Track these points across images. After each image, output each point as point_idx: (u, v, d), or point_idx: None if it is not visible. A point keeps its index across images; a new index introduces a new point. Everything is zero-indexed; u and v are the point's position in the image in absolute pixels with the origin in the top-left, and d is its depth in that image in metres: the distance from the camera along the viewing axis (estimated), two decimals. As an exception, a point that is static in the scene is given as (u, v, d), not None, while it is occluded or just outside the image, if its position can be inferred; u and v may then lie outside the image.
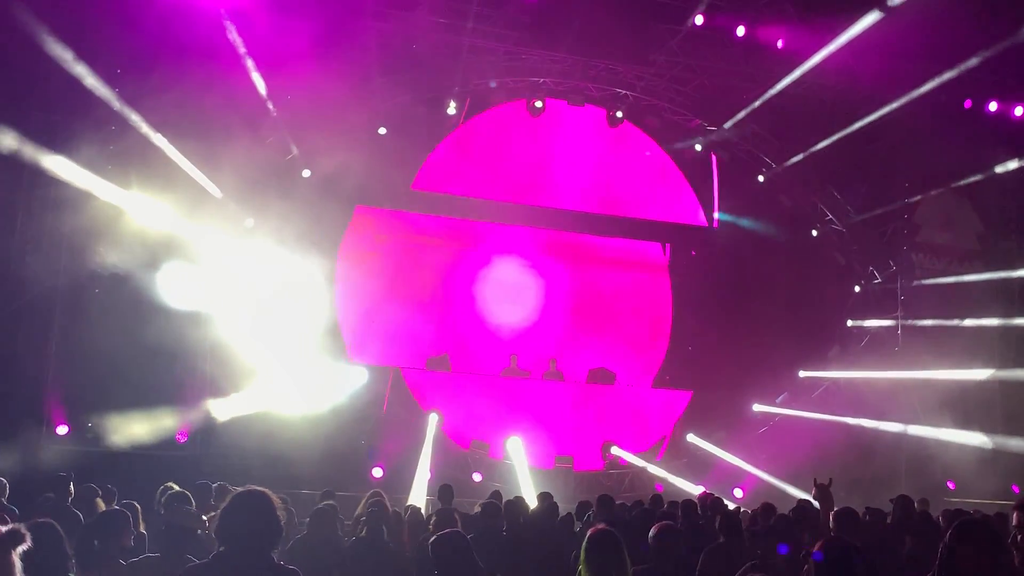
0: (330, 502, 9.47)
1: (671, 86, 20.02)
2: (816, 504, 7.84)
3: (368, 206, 20.19)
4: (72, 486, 9.81)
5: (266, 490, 4.63)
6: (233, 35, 16.12)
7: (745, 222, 22.08)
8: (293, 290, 17.59)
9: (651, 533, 6.79)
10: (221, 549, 4.47)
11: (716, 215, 22.41)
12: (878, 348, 20.85)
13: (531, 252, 21.69)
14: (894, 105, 18.15)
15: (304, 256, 17.67)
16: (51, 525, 5.34)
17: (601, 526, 5.56)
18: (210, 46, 15.86)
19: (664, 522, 7.06)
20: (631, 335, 21.92)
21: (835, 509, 7.50)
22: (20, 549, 4.01)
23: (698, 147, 21.43)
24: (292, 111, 17.52)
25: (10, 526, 4.09)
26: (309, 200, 17.81)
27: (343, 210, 19.47)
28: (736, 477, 19.08)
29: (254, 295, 17.23)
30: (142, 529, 8.05)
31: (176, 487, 9.96)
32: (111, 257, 15.21)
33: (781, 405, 21.08)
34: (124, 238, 15.38)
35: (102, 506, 9.85)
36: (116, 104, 15.47)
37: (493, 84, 19.55)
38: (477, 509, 10.06)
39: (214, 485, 10.75)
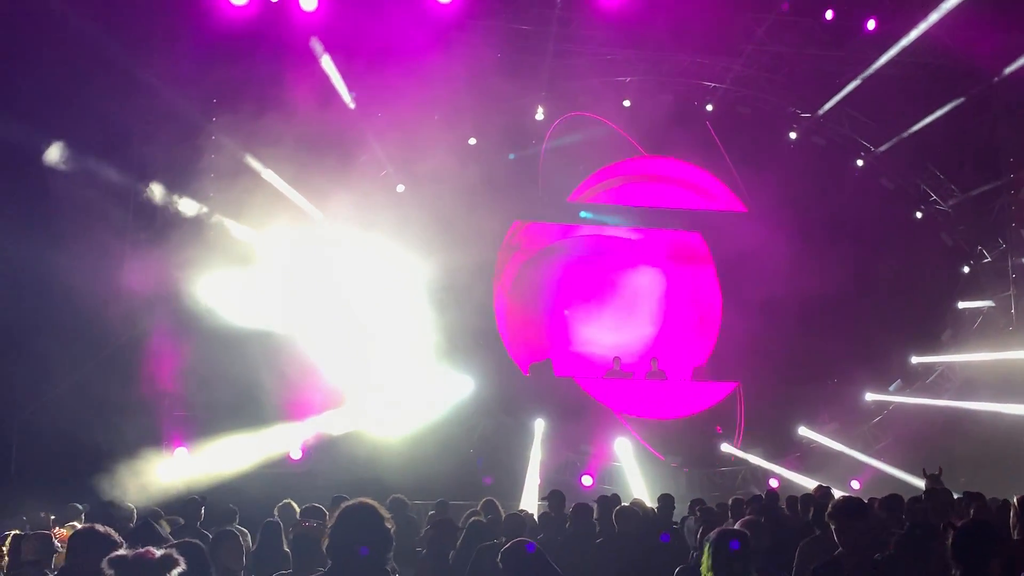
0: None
1: (761, 75, 19.74)
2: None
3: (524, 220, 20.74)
4: (203, 510, 10.01)
5: (373, 502, 4.61)
6: (321, 55, 16.41)
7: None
8: (400, 302, 17.72)
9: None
10: (331, 564, 4.46)
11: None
12: (992, 329, 20.20)
13: (625, 253, 21.60)
14: (994, 79, 17.61)
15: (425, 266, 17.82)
16: (198, 546, 5.37)
17: (731, 526, 5.35)
18: (300, 68, 16.19)
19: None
20: (731, 330, 21.62)
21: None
22: (175, 573, 4.03)
23: (793, 135, 21.02)
24: (383, 128, 17.71)
25: (163, 550, 4.13)
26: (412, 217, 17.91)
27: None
28: (853, 469, 18.66)
29: (357, 310, 17.45)
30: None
31: (294, 504, 10.12)
32: (216, 283, 15.56)
33: (895, 393, 20.57)
34: (229, 262, 15.74)
35: (167, 527, 10.09)
36: (213, 133, 15.89)
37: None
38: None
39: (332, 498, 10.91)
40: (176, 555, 4.04)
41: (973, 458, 16.68)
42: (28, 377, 13.99)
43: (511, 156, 19.95)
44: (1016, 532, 6.90)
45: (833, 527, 5.70)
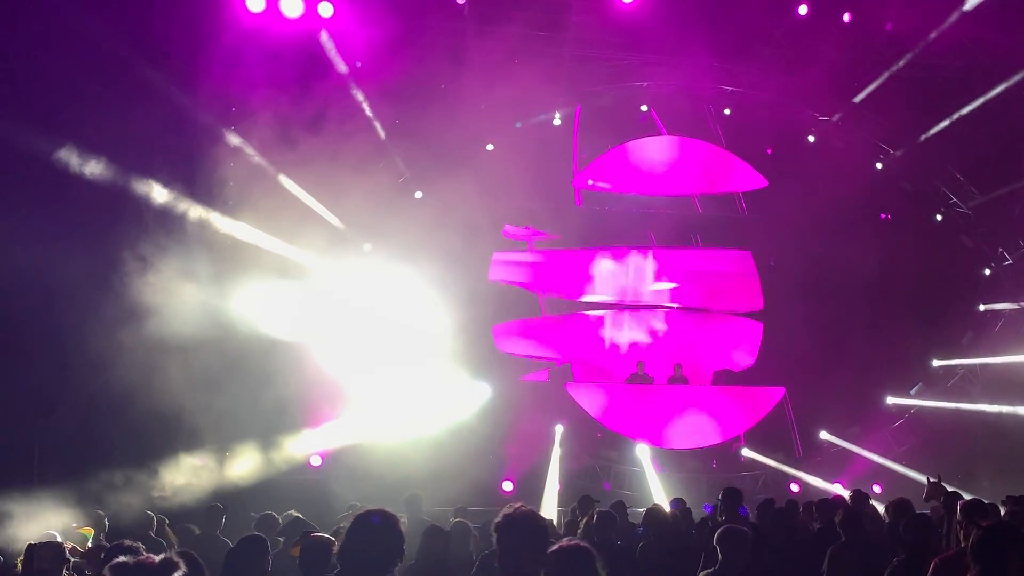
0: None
1: (779, 79, 19.65)
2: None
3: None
4: (223, 518, 10.03)
5: (386, 509, 4.63)
6: (339, 64, 16.47)
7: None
8: (412, 308, 17.71)
9: (715, 537, 6.72)
10: (339, 570, 4.49)
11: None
12: (1014, 331, 20.04)
13: (645, 256, 21.52)
14: (1014, 79, 17.49)
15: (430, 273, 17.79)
16: (192, 556, 5.37)
17: None
18: (317, 75, 16.29)
19: (730, 526, 7.02)
20: (749, 336, 21.51)
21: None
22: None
23: (811, 139, 20.90)
24: (400, 134, 17.77)
25: (163, 556, 4.15)
26: (430, 223, 17.90)
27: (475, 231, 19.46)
28: (874, 473, 18.56)
29: (375, 317, 17.46)
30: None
31: (298, 514, 10.15)
32: (236, 291, 15.60)
33: (916, 396, 20.46)
34: (248, 270, 15.80)
35: (172, 536, 10.13)
36: (232, 140, 15.95)
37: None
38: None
39: (349, 506, 10.93)
40: (176, 558, 4.08)
41: (995, 461, 16.59)
42: (50, 383, 14.05)
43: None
44: None
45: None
